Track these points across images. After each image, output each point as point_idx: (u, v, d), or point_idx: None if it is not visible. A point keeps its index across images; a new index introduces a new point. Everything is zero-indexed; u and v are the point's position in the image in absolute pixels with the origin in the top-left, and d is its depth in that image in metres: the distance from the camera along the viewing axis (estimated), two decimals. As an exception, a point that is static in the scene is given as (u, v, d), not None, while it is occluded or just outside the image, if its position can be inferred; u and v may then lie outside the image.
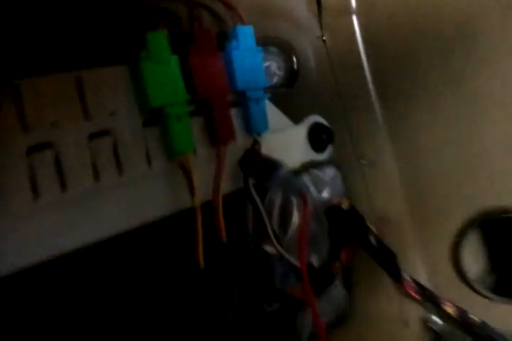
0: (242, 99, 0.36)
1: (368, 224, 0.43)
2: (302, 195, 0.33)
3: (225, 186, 0.35)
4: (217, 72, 0.33)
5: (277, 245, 0.35)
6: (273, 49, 0.43)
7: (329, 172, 0.44)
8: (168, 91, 0.31)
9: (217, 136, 0.33)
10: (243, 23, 0.35)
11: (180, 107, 0.31)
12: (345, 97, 0.46)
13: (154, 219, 0.32)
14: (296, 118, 0.43)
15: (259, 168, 0.34)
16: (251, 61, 0.35)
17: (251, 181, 0.35)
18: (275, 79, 0.43)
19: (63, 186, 0.29)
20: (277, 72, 0.43)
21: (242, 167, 0.35)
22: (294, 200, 0.40)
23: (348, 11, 0.46)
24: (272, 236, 0.35)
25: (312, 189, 0.42)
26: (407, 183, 0.46)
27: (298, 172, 0.42)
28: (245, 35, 0.35)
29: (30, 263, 0.27)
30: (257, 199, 0.35)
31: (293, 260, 0.36)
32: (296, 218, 0.40)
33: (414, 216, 0.47)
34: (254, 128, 0.36)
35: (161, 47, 0.31)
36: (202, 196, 0.33)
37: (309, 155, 0.42)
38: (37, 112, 0.27)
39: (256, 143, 0.36)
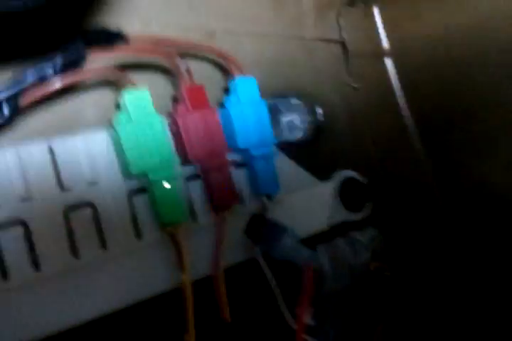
0: (247, 158, 0.32)
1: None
2: (307, 266, 0.28)
3: (232, 256, 0.31)
4: (210, 130, 0.30)
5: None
6: (294, 101, 0.39)
7: (369, 234, 0.38)
8: (151, 156, 0.28)
9: (215, 200, 0.30)
10: (242, 73, 0.32)
11: (166, 172, 0.28)
12: (383, 148, 0.41)
13: (146, 297, 0.28)
14: (325, 175, 0.38)
15: (266, 235, 0.30)
16: (254, 116, 0.32)
17: (259, 250, 0.30)
18: (298, 134, 0.39)
19: (36, 265, 0.26)
20: (301, 126, 0.39)
21: (248, 235, 0.31)
22: (328, 266, 0.35)
23: (379, 54, 0.41)
24: (284, 313, 0.30)
25: (348, 253, 0.37)
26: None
27: (329, 235, 0.37)
28: (246, 88, 0.32)
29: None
30: (267, 272, 0.30)
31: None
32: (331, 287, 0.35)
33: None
34: (262, 189, 0.32)
35: (143, 109, 0.28)
36: (203, 270, 0.29)
37: (342, 215, 0.37)
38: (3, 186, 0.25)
39: (264, 207, 0.32)
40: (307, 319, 0.33)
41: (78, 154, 0.28)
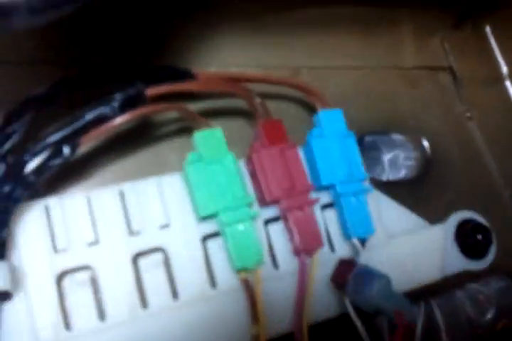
0: (335, 197, 0.29)
1: None
2: (398, 314, 0.23)
3: (319, 310, 0.27)
4: (289, 167, 0.27)
5: None
6: (396, 136, 0.36)
7: (496, 285, 0.32)
8: (222, 196, 0.26)
9: (296, 243, 0.27)
10: (327, 106, 0.30)
11: (239, 213, 0.26)
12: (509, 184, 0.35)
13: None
14: (437, 217, 0.33)
15: (353, 282, 0.26)
16: (340, 149, 0.29)
17: (348, 300, 0.26)
18: (403, 172, 0.35)
19: (101, 316, 0.25)
20: (404, 163, 0.35)
21: (333, 283, 0.27)
22: (442, 324, 0.30)
23: (496, 78, 0.37)
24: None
25: (471, 310, 0.31)
26: None
27: (446, 287, 0.31)
28: (330, 120, 0.29)
29: None
30: (359, 325, 0.26)
31: None
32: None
33: None
34: (352, 231, 0.28)
35: (214, 148, 0.27)
36: (284, 325, 0.26)
37: (461, 263, 0.32)
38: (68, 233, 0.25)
39: (355, 252, 0.28)
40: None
41: (149, 197, 0.26)
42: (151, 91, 0.25)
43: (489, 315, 0.31)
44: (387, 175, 0.35)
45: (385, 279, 0.25)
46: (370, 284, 0.25)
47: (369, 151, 0.35)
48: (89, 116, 0.24)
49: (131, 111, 0.24)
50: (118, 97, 0.24)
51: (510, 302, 0.32)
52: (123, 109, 0.24)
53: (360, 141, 0.35)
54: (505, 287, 0.32)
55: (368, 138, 0.35)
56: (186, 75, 0.27)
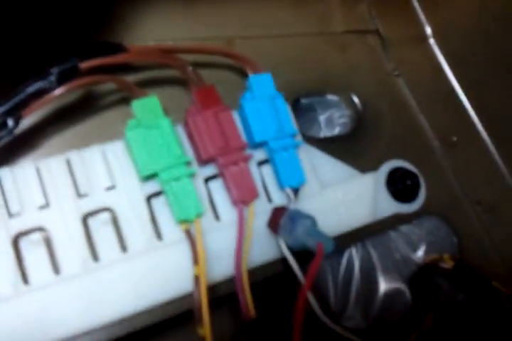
0: (269, 153, 0.31)
1: (496, 284, 0.33)
2: (319, 245, 0.26)
3: (260, 255, 0.30)
4: (223, 128, 0.30)
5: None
6: (330, 97, 0.38)
7: (427, 225, 0.35)
8: (161, 157, 0.28)
9: (234, 195, 0.29)
10: (258, 71, 0.32)
11: (177, 171, 0.28)
12: (439, 134, 0.38)
13: (169, 299, 0.28)
14: (374, 168, 0.36)
15: (284, 225, 0.29)
16: (270, 110, 0.31)
17: (282, 241, 0.29)
18: (338, 129, 0.38)
19: (56, 270, 0.27)
20: (339, 121, 0.38)
21: (270, 228, 0.30)
22: (377, 262, 0.33)
23: (422, 38, 0.39)
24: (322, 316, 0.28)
25: (404, 249, 0.34)
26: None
27: (380, 230, 0.34)
28: (261, 84, 0.32)
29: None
30: (294, 265, 0.28)
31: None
32: (383, 286, 0.32)
33: None
34: (285, 181, 0.31)
35: (151, 113, 0.29)
36: (228, 270, 0.29)
37: (392, 207, 0.35)
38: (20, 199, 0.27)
39: (288, 200, 0.30)
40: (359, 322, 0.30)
41: (94, 163, 0.29)
42: (85, 64, 0.27)
43: (420, 252, 0.34)
44: (324, 132, 0.38)
45: (309, 219, 0.27)
46: (296, 224, 0.27)
47: (305, 112, 0.38)
48: (30, 89, 0.26)
49: (67, 83, 0.27)
50: (54, 71, 0.26)
51: (439, 238, 0.35)
52: (60, 82, 0.26)
53: (297, 103, 0.37)
54: (436, 226, 0.35)
55: (303, 100, 0.38)
56: (119, 49, 0.29)
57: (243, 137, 0.31)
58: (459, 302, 0.33)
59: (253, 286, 0.29)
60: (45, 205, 0.27)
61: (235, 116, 0.31)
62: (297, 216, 0.28)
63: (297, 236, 0.27)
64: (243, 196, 0.30)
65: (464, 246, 0.36)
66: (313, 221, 0.27)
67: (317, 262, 0.24)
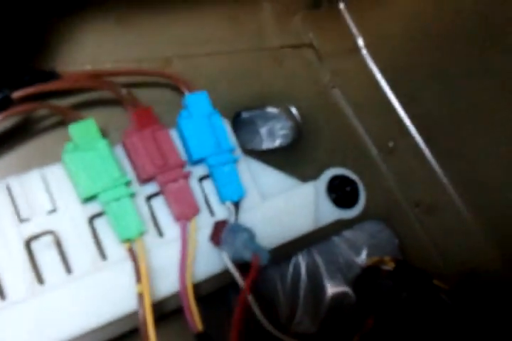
0: (209, 169, 0.32)
1: (437, 282, 0.34)
2: (254, 256, 0.27)
3: (205, 269, 0.31)
4: (160, 146, 0.31)
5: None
6: (271, 109, 0.40)
7: (370, 229, 0.36)
8: (99, 178, 0.29)
9: (175, 211, 0.30)
10: (194, 90, 0.33)
11: (116, 192, 0.29)
12: (377, 141, 0.40)
13: (115, 318, 0.29)
14: (311, 178, 0.37)
15: (225, 239, 0.30)
16: (207, 127, 0.32)
17: (225, 254, 0.30)
18: (279, 141, 0.39)
19: (1, 296, 0.27)
20: (280, 132, 0.39)
21: (212, 241, 0.30)
22: (323, 268, 0.34)
23: (355, 49, 0.41)
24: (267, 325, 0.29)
25: (347, 253, 0.35)
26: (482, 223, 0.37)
27: (324, 236, 0.36)
28: (197, 103, 0.33)
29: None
30: (236, 276, 0.29)
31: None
32: (330, 290, 0.34)
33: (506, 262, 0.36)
34: (224, 196, 0.32)
35: (87, 136, 0.30)
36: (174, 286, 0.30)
37: (334, 213, 0.36)
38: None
39: (230, 213, 0.31)
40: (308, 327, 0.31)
41: (34, 187, 0.29)
42: (17, 94, 0.28)
43: (363, 255, 0.36)
44: (266, 144, 0.39)
45: (246, 232, 0.28)
46: (236, 237, 0.28)
47: (247, 125, 0.39)
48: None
49: (1, 113, 0.27)
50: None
51: (381, 241, 0.36)
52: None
53: (238, 117, 0.38)
54: (377, 230, 0.37)
55: (244, 114, 0.39)
56: (51, 76, 0.30)
57: (182, 154, 0.32)
58: (401, 300, 0.34)
59: (201, 300, 0.30)
60: (-13, 232, 0.28)
61: (173, 135, 0.32)
62: (237, 229, 0.29)
63: (236, 249, 0.28)
64: (184, 212, 0.30)
65: (405, 247, 0.37)
66: (250, 234, 0.28)
67: (253, 273, 0.25)
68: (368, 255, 0.35)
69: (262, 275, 0.34)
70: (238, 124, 0.38)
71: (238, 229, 0.29)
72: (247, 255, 0.27)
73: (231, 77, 0.39)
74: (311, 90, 0.40)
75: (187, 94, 0.33)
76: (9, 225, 0.28)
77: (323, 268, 0.35)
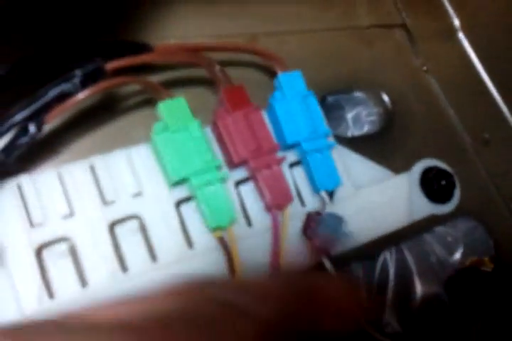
0: (301, 155, 0.30)
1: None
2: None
3: (296, 261, 0.29)
4: (254, 129, 0.28)
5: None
6: (358, 94, 0.37)
7: (463, 226, 0.34)
8: (191, 161, 0.27)
9: (267, 200, 0.28)
10: (286, 69, 0.31)
11: (208, 176, 0.27)
12: (472, 131, 0.37)
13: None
14: (402, 168, 0.34)
15: (321, 232, 0.27)
16: (302, 109, 0.30)
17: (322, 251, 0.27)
18: (366, 128, 0.36)
19: (83, 282, 0.26)
20: (367, 119, 0.36)
21: (304, 234, 0.28)
22: (413, 267, 0.31)
23: (450, 31, 0.38)
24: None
25: (440, 252, 0.32)
26: None
27: (415, 233, 0.33)
28: (290, 83, 0.30)
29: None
30: (332, 271, 0.27)
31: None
32: (420, 291, 0.31)
33: None
34: (319, 184, 0.29)
35: (179, 116, 0.27)
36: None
37: (427, 208, 0.33)
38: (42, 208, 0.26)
39: (323, 204, 0.29)
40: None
41: (119, 168, 0.27)
42: (111, 65, 0.26)
43: (457, 255, 0.33)
44: (352, 131, 0.36)
45: (336, 218, 0.26)
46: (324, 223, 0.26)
47: (332, 110, 0.36)
48: (52, 93, 0.24)
49: (92, 86, 0.25)
50: (78, 73, 0.25)
51: (475, 240, 0.34)
52: (84, 84, 0.25)
53: (323, 102, 0.36)
54: (471, 227, 0.34)
55: (330, 98, 0.36)
56: (144, 48, 0.28)
57: (274, 139, 0.29)
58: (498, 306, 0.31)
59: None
60: (70, 214, 0.26)
61: (265, 117, 0.30)
62: (328, 218, 0.27)
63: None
64: (277, 200, 0.28)
65: (499, 247, 0.34)
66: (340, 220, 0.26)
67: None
68: (462, 254, 0.33)
69: (348, 272, 0.32)
70: (323, 108, 0.35)
71: (330, 217, 0.27)
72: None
73: (317, 58, 0.36)
74: (402, 74, 0.37)
75: (280, 73, 0.30)
76: (93, 207, 0.26)
77: (413, 267, 0.32)
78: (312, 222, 0.28)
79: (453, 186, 0.33)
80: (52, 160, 0.27)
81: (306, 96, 0.30)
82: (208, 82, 0.30)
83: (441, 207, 0.33)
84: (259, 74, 0.33)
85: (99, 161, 0.27)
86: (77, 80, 0.24)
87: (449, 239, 0.33)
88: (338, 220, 0.28)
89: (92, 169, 0.27)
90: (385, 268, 0.32)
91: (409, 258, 0.32)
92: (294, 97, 0.30)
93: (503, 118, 0.37)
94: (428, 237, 0.33)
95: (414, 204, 0.33)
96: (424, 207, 0.33)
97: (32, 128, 0.24)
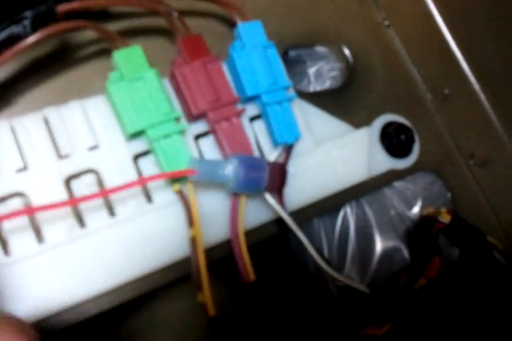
0: (261, 107, 0.29)
1: (491, 239, 0.32)
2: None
3: (256, 216, 0.28)
4: (213, 80, 0.27)
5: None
6: (320, 48, 0.36)
7: (421, 181, 0.34)
8: (148, 112, 0.26)
9: (226, 153, 0.27)
10: (247, 19, 0.30)
11: (165, 128, 0.26)
12: (432, 87, 0.37)
13: (162, 265, 0.26)
14: (363, 123, 0.34)
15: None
16: (262, 60, 0.29)
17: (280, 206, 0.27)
18: (328, 83, 0.36)
19: (39, 239, 0.25)
20: (329, 74, 0.36)
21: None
22: (373, 220, 0.32)
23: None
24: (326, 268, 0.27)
25: (399, 205, 0.33)
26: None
27: (375, 187, 0.33)
28: (251, 33, 0.29)
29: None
30: (296, 231, 0.27)
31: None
32: (380, 244, 0.32)
33: None
34: (279, 137, 0.29)
35: (134, 65, 0.26)
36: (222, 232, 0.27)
37: (387, 163, 0.33)
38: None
39: (284, 157, 0.29)
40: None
41: (74, 120, 0.26)
42: (62, 7, 0.24)
43: (416, 209, 0.33)
44: (314, 86, 0.36)
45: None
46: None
47: (294, 65, 0.35)
48: (1, 36, 0.23)
49: (42, 29, 0.24)
50: (28, 15, 0.23)
51: (434, 194, 0.34)
52: (35, 27, 0.23)
53: (285, 56, 0.35)
54: (430, 182, 0.34)
55: (291, 53, 0.36)
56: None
57: (234, 91, 0.29)
58: (456, 258, 0.32)
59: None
60: (23, 168, 0.25)
61: (224, 69, 0.29)
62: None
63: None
64: (237, 153, 0.28)
65: (457, 201, 0.35)
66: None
67: None
68: (421, 208, 0.33)
69: (309, 227, 0.32)
70: (285, 63, 0.34)
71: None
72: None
73: (279, 10, 0.35)
74: (364, 28, 0.37)
75: (240, 23, 0.29)
76: (47, 161, 0.25)
77: (373, 221, 0.32)
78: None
79: (412, 141, 0.34)
80: (4, 111, 0.26)
81: (267, 47, 0.29)
82: (166, 33, 0.29)
83: (400, 162, 0.34)
84: (218, 25, 0.32)
85: (53, 113, 0.26)
86: (27, 22, 0.23)
87: (408, 193, 0.33)
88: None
89: (46, 121, 0.26)
90: (345, 222, 0.32)
91: (369, 212, 0.33)
92: (254, 48, 0.29)
93: (463, 75, 0.37)
94: (387, 191, 0.33)
95: (373, 159, 0.33)
96: (384, 162, 0.33)
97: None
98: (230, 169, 0.25)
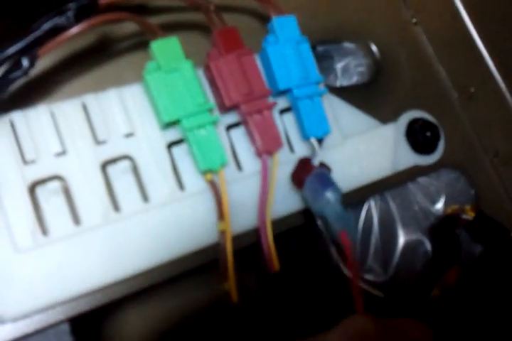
0: (292, 101, 0.30)
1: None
2: (343, 235, 0.25)
3: (283, 206, 0.29)
4: (246, 72, 0.28)
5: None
6: (348, 44, 0.37)
7: (445, 177, 0.34)
8: (183, 102, 0.27)
9: (257, 145, 0.28)
10: (281, 14, 0.30)
11: (200, 118, 0.27)
12: (458, 85, 0.37)
13: (191, 252, 0.27)
14: (388, 119, 0.35)
15: (310, 186, 0.28)
16: (294, 54, 0.30)
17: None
18: (355, 78, 0.36)
19: (76, 221, 0.26)
20: (356, 69, 0.36)
21: (293, 181, 0.28)
22: (396, 214, 0.32)
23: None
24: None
25: (423, 201, 0.33)
26: None
27: (399, 182, 0.34)
28: (285, 27, 0.30)
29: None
30: (320, 225, 0.28)
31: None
32: (403, 238, 0.32)
33: None
34: (309, 132, 0.30)
35: (171, 56, 0.27)
36: (251, 221, 0.28)
37: (412, 159, 0.34)
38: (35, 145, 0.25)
39: (313, 151, 0.29)
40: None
41: (111, 107, 0.27)
42: (104, 0, 0.25)
43: (439, 204, 0.34)
44: (341, 81, 0.36)
45: (337, 193, 0.26)
46: (321, 193, 0.26)
47: (321, 60, 0.36)
48: (45, 27, 0.24)
49: (86, 20, 0.24)
50: (72, 7, 0.24)
51: (457, 191, 0.34)
52: (78, 18, 0.24)
53: (312, 51, 0.35)
54: (454, 178, 0.35)
55: (319, 48, 0.36)
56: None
57: (266, 84, 0.29)
58: (479, 255, 0.32)
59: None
60: (62, 152, 0.26)
61: (258, 62, 0.30)
62: (324, 179, 0.27)
63: (321, 208, 0.26)
64: (268, 145, 0.28)
65: (480, 199, 0.35)
66: (337, 194, 0.26)
67: (349, 255, 0.24)
68: (444, 204, 0.34)
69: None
70: (313, 58, 0.35)
71: (326, 181, 0.27)
72: (335, 226, 0.25)
73: (307, 6, 0.36)
74: (392, 26, 0.37)
75: (274, 17, 0.30)
76: (85, 146, 0.26)
77: (396, 215, 0.33)
78: (302, 171, 0.28)
79: (437, 138, 0.34)
80: (45, 98, 0.27)
81: (300, 42, 0.30)
82: (203, 27, 0.30)
83: (425, 158, 0.34)
84: (253, 21, 0.33)
85: (91, 100, 0.27)
86: (70, 14, 0.24)
87: (432, 189, 0.34)
88: (326, 177, 0.28)
89: (85, 107, 0.27)
90: (369, 215, 0.33)
91: (392, 207, 0.33)
92: (288, 42, 0.30)
93: (489, 73, 0.37)
94: (411, 187, 0.34)
95: (398, 155, 0.33)
96: (409, 158, 0.34)
97: (25, 62, 0.23)
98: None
